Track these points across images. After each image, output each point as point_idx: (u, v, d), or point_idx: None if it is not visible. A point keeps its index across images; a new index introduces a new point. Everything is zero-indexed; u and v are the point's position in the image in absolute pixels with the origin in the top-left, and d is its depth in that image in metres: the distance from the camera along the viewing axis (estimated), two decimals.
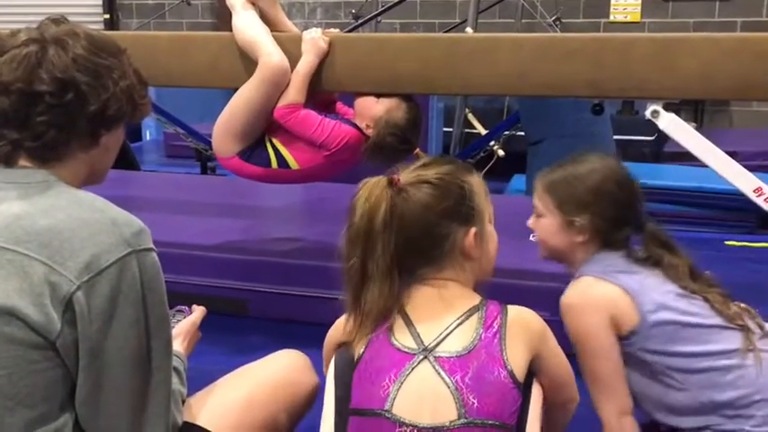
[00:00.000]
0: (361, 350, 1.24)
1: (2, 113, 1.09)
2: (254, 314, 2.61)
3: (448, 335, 1.22)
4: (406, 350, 1.21)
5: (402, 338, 1.23)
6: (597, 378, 1.47)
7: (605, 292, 1.48)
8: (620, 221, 1.56)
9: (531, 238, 2.79)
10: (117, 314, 1.04)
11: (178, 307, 1.50)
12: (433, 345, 1.21)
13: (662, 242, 1.58)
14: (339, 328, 1.31)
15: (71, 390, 1.06)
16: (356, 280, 1.26)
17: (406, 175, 1.29)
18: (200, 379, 1.41)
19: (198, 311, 1.49)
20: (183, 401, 1.29)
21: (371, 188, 1.26)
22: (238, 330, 2.48)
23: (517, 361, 1.20)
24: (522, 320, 1.26)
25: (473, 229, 1.28)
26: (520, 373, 1.20)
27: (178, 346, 1.38)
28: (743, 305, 1.54)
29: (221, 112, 2.24)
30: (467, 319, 1.24)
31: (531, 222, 1.64)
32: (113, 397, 1.06)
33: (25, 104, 1.08)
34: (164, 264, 1.14)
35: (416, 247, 1.26)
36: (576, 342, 1.49)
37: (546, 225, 1.59)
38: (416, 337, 1.22)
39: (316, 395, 1.46)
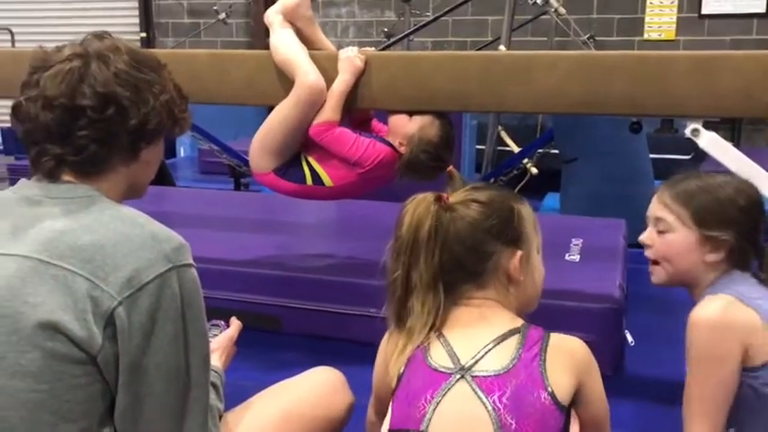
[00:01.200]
0: (402, 369, 1.23)
1: (45, 128, 1.11)
2: (288, 330, 2.61)
3: (486, 353, 1.19)
4: (442, 370, 1.20)
5: (438, 358, 1.21)
6: (703, 402, 1.36)
7: (746, 317, 1.35)
8: (753, 243, 1.45)
9: (566, 257, 2.79)
10: (157, 330, 1.04)
11: (214, 321, 1.51)
12: (470, 364, 1.19)
13: None
14: (386, 350, 1.30)
15: (110, 404, 1.06)
16: (400, 293, 1.26)
17: (456, 195, 1.29)
18: (234, 394, 1.41)
19: (234, 326, 1.50)
20: (221, 416, 1.29)
21: (419, 202, 1.27)
22: (272, 346, 2.48)
23: (559, 383, 1.17)
24: (567, 346, 1.23)
25: (519, 252, 1.27)
26: (562, 396, 1.17)
27: (215, 360, 1.38)
28: None
29: (255, 129, 2.27)
30: (506, 339, 1.21)
31: (647, 237, 1.51)
32: (152, 412, 1.06)
33: (68, 119, 1.10)
34: (199, 278, 1.14)
35: (460, 263, 1.25)
36: (694, 359, 1.37)
37: (676, 240, 1.45)
38: (453, 356, 1.20)
39: (351, 413, 1.46)
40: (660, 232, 1.47)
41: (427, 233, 1.23)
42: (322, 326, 2.58)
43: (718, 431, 1.38)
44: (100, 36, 1.18)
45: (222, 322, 1.52)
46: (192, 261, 1.11)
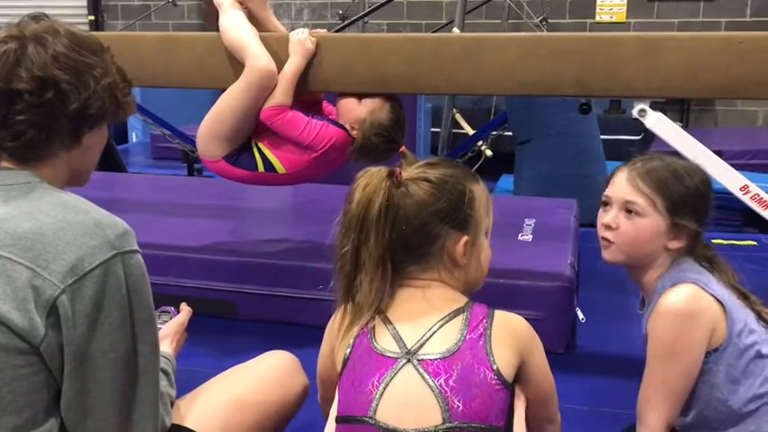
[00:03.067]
0: (347, 353, 1.22)
1: None
2: (243, 315, 2.59)
3: (431, 336, 1.19)
4: (388, 354, 1.19)
5: (384, 342, 1.20)
6: (666, 386, 1.38)
7: (710, 305, 1.37)
8: (702, 228, 1.46)
9: (519, 237, 2.82)
10: (102, 317, 1.02)
11: (163, 308, 1.49)
12: (415, 347, 1.19)
13: (710, 255, 1.48)
14: (333, 328, 1.29)
15: (56, 394, 1.04)
16: (348, 269, 1.24)
17: (409, 170, 1.27)
18: (188, 381, 1.40)
19: (184, 312, 1.48)
20: (172, 403, 1.28)
21: (371, 177, 1.24)
22: (227, 332, 2.47)
23: (504, 361, 1.18)
24: (510, 324, 1.23)
25: (465, 238, 1.26)
26: (507, 373, 1.18)
27: (166, 347, 1.37)
28: None
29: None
30: (450, 320, 1.22)
31: (610, 219, 1.47)
32: (100, 401, 1.05)
33: (4, 104, 1.06)
34: (151, 266, 1.13)
35: (406, 243, 1.24)
36: (665, 350, 1.38)
37: (646, 226, 1.43)
38: (399, 340, 1.20)
39: (305, 396, 1.46)
40: (628, 214, 1.45)
41: (377, 210, 1.21)
42: (277, 311, 2.57)
43: (676, 413, 1.41)
44: (37, 18, 1.14)
45: (172, 308, 1.50)
46: (137, 247, 1.09)
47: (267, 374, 1.42)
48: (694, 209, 1.43)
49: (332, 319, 1.31)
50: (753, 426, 1.38)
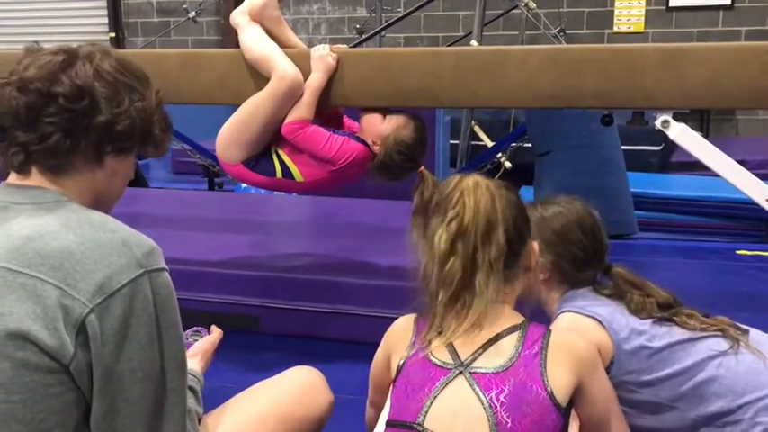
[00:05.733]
0: (403, 360, 1.23)
1: (14, 112, 1.09)
2: (266, 330, 2.60)
3: (485, 350, 1.19)
4: (442, 365, 1.19)
5: (438, 353, 1.21)
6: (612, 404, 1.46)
7: (585, 327, 1.52)
8: (582, 263, 1.62)
9: None
10: (130, 336, 1.03)
11: (196, 328, 1.51)
12: (469, 360, 1.19)
13: (629, 281, 1.62)
14: (394, 335, 1.31)
15: (86, 413, 1.05)
16: (459, 277, 1.23)
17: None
18: (212, 396, 1.40)
19: (216, 333, 1.50)
20: (200, 420, 1.28)
21: (475, 183, 1.27)
22: (250, 347, 2.47)
23: (558, 383, 1.17)
24: (569, 344, 1.23)
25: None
26: (561, 396, 1.16)
27: (195, 365, 1.37)
28: (720, 317, 1.58)
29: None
30: (506, 335, 1.21)
31: None
32: (128, 419, 1.05)
33: (39, 104, 1.08)
34: (174, 280, 1.13)
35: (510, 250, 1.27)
36: None
37: None
38: (453, 351, 1.20)
39: (331, 412, 1.46)
40: None
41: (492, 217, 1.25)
42: (300, 325, 2.57)
43: (623, 426, 1.53)
44: (94, 43, 1.18)
45: (204, 329, 1.52)
46: (164, 265, 1.09)
47: (293, 390, 1.42)
48: (549, 244, 1.60)
49: (394, 325, 1.31)
50: (686, 410, 1.48)
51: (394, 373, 1.24)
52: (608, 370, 1.49)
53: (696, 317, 1.55)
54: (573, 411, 1.22)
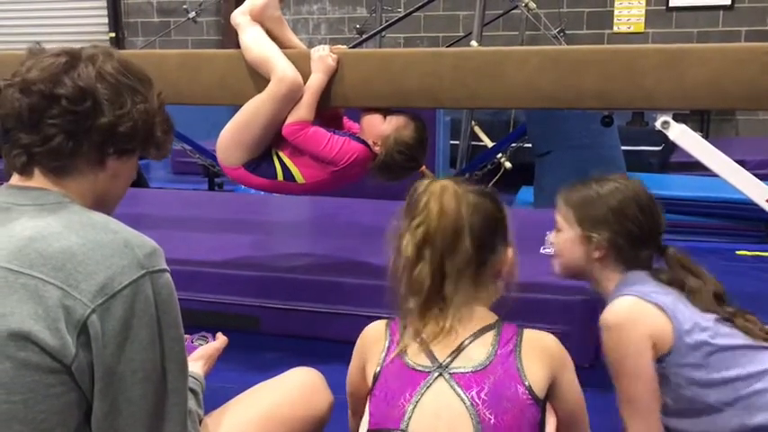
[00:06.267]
0: (379, 368, 1.23)
1: (17, 114, 1.09)
2: (266, 330, 2.60)
3: (462, 350, 1.20)
4: (420, 368, 1.20)
5: (416, 357, 1.21)
6: (632, 399, 1.46)
7: (647, 313, 1.47)
8: (639, 242, 1.57)
9: (541, 250, 2.81)
10: (131, 336, 1.03)
11: (202, 333, 1.52)
12: (447, 361, 1.19)
13: (685, 266, 1.58)
14: (365, 343, 1.30)
15: (87, 413, 1.05)
16: (428, 283, 1.23)
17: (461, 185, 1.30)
18: (213, 396, 1.40)
19: (221, 339, 1.51)
20: (200, 422, 1.28)
21: (442, 188, 1.26)
22: (250, 347, 2.47)
23: (535, 377, 1.19)
24: (541, 342, 1.25)
25: (510, 249, 1.31)
26: (539, 389, 1.18)
27: (198, 368, 1.38)
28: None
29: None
30: (481, 335, 1.23)
31: (551, 237, 1.68)
32: (130, 419, 1.05)
33: (42, 106, 1.08)
34: (174, 281, 1.13)
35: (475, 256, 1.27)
36: (614, 361, 1.48)
37: (564, 239, 1.62)
38: (430, 354, 1.21)
39: (331, 413, 1.46)
40: (557, 231, 1.65)
41: (458, 223, 1.24)
42: (300, 325, 2.57)
43: (657, 424, 1.48)
44: (97, 45, 1.19)
45: (209, 334, 1.53)
46: (165, 266, 1.09)
47: (294, 391, 1.42)
48: (597, 220, 1.56)
49: (364, 332, 1.31)
50: (733, 416, 1.43)
51: (371, 380, 1.23)
52: (662, 359, 1.45)
53: (755, 322, 1.52)
54: (548, 406, 1.24)
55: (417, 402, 1.17)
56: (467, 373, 1.18)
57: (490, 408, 1.15)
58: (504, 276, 1.31)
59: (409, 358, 1.22)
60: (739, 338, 1.47)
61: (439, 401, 1.17)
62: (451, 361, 1.20)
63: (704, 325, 1.47)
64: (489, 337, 1.22)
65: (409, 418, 1.17)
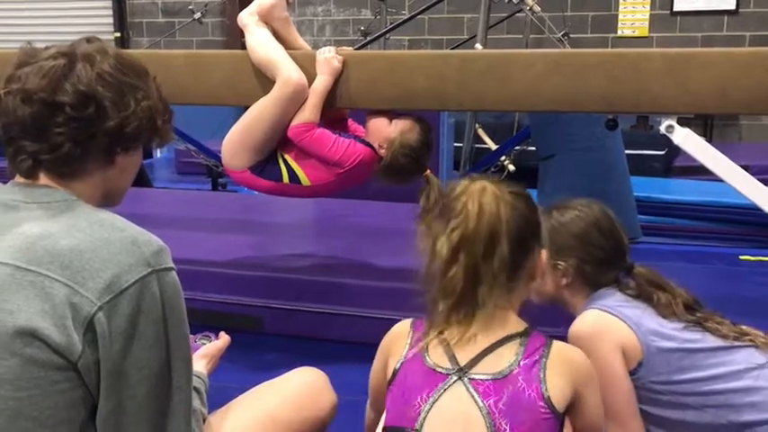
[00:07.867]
0: (399, 364, 1.23)
1: (21, 123, 1.09)
2: (269, 331, 2.60)
3: (484, 356, 1.19)
4: (440, 370, 1.19)
5: (436, 358, 1.21)
6: (610, 411, 1.44)
7: (612, 326, 1.50)
8: (604, 264, 1.61)
9: None
10: (137, 334, 1.03)
11: (205, 332, 1.53)
12: (467, 366, 1.19)
13: (653, 282, 1.60)
14: (392, 340, 1.30)
15: (92, 410, 1.05)
16: (462, 285, 1.21)
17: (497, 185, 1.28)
18: (216, 396, 1.41)
19: (224, 339, 1.51)
20: (204, 420, 1.28)
21: (481, 189, 1.25)
22: (253, 347, 2.48)
23: (556, 391, 1.17)
24: (568, 356, 1.23)
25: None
26: (558, 402, 1.17)
27: (202, 367, 1.38)
28: (745, 327, 1.55)
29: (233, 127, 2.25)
30: (507, 342, 1.21)
31: None
32: (135, 416, 1.06)
33: (45, 115, 1.08)
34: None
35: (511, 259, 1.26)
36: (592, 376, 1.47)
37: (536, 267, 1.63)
38: (451, 356, 1.20)
39: (334, 413, 1.46)
40: None
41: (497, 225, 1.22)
42: (303, 326, 2.58)
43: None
44: (89, 39, 1.17)
45: (213, 334, 1.53)
46: (172, 264, 1.10)
47: (298, 391, 1.42)
48: (561, 248, 1.58)
49: (391, 331, 1.32)
50: (712, 416, 1.45)
51: (390, 375, 1.23)
52: (635, 372, 1.47)
53: (726, 324, 1.53)
54: (566, 420, 1.22)
55: (434, 404, 1.17)
56: (486, 380, 1.17)
57: (506, 418, 1.14)
58: (537, 277, 1.31)
59: (429, 357, 1.21)
60: (709, 341, 1.49)
61: (455, 406, 1.16)
62: (472, 366, 1.18)
63: (672, 334, 1.49)
64: (515, 345, 1.20)
65: (424, 419, 1.16)
